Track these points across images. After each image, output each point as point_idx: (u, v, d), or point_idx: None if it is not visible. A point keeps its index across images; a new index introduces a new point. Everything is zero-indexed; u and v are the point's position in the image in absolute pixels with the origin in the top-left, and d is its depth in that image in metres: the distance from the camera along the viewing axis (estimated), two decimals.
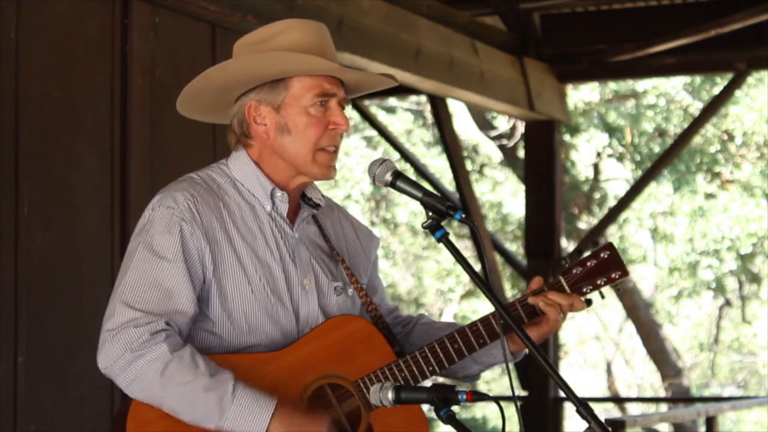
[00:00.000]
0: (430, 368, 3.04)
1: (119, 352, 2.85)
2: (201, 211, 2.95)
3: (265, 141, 3.02)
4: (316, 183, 3.14)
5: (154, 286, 2.88)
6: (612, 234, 16.77)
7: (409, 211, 17.78)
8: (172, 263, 2.90)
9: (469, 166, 16.38)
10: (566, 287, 3.10)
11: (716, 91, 14.91)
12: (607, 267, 3.12)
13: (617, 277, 3.11)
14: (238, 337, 2.96)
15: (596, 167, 17.62)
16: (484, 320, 3.07)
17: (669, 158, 10.29)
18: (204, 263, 2.93)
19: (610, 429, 2.63)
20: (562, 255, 9.23)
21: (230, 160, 3.08)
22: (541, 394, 9.17)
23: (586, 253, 3.12)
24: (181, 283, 2.89)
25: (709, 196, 17.04)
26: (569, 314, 3.14)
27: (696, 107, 16.18)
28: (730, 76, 9.52)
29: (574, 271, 3.11)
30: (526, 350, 3.05)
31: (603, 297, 3.18)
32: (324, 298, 3.06)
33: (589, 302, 3.12)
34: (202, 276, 2.94)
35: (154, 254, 2.90)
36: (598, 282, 3.11)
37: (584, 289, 3.10)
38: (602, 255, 3.12)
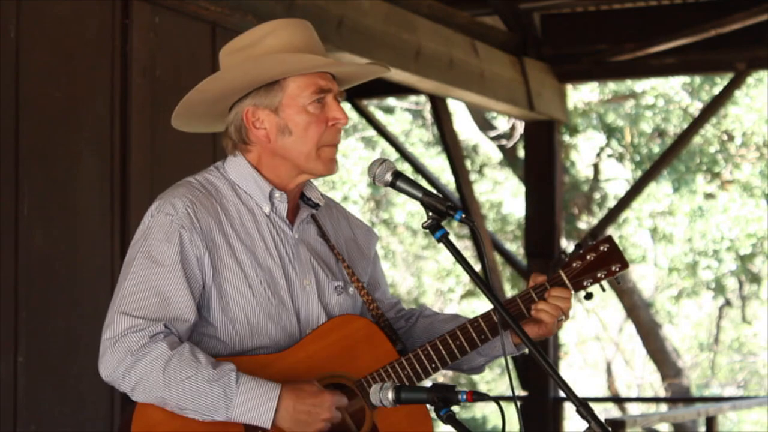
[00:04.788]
0: (433, 365, 3.04)
1: (120, 357, 2.85)
2: (200, 217, 2.94)
3: (266, 144, 3.01)
4: (314, 181, 3.14)
5: (152, 292, 2.89)
6: (612, 234, 16.75)
7: (407, 211, 17.76)
8: (171, 270, 2.90)
9: (468, 166, 16.37)
10: (566, 281, 3.08)
11: (716, 91, 14.90)
12: (607, 260, 3.10)
13: (618, 269, 3.10)
14: (242, 341, 2.96)
15: (596, 167, 17.62)
16: (486, 316, 3.07)
17: (668, 158, 10.29)
18: (203, 270, 2.93)
19: (610, 429, 2.63)
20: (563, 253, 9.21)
21: (227, 163, 3.07)
22: (541, 394, 9.17)
23: (586, 247, 3.11)
24: (180, 291, 2.90)
25: (709, 196, 17.04)
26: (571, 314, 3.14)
27: (695, 107, 16.17)
28: (729, 76, 9.52)
29: (574, 264, 3.09)
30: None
31: (603, 290, 3.17)
32: (325, 298, 3.06)
33: (589, 296, 3.11)
34: (202, 282, 2.94)
35: (152, 261, 2.91)
36: (599, 275, 3.10)
37: (585, 283, 3.09)
38: (602, 248, 3.10)
